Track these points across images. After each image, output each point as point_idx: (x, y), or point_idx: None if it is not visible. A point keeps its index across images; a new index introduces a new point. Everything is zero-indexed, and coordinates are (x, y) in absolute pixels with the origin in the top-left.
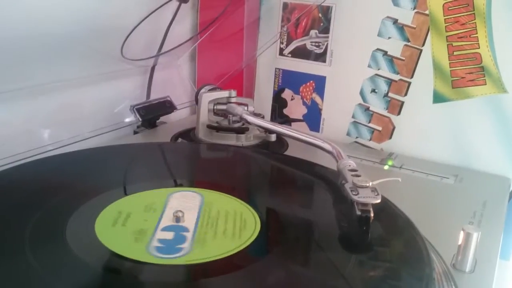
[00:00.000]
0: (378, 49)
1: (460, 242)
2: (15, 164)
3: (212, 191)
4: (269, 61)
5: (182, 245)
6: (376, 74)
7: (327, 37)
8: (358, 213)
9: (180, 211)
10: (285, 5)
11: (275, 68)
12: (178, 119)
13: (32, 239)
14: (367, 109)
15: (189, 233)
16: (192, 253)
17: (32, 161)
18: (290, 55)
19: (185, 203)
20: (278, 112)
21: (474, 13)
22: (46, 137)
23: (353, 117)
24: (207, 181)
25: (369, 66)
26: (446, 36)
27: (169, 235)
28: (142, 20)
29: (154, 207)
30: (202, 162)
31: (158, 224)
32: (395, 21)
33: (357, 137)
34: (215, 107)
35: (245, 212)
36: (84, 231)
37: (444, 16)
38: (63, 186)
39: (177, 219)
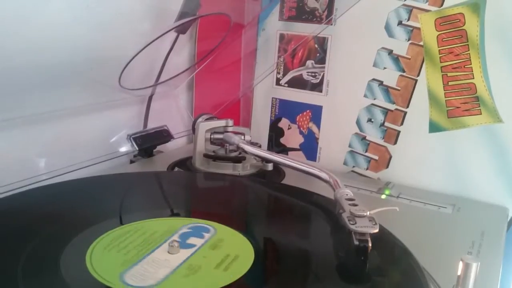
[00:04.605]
0: (373, 79)
1: (459, 272)
2: (9, 194)
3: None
4: (266, 90)
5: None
6: (372, 104)
7: (324, 67)
8: (356, 243)
9: (176, 241)
10: (281, 37)
11: (272, 98)
12: (175, 148)
13: (25, 271)
14: (364, 138)
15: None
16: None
17: (27, 190)
18: (286, 85)
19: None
20: (275, 141)
21: (467, 44)
22: (42, 166)
23: (349, 146)
24: (204, 211)
25: (365, 96)
26: (441, 67)
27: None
28: (140, 50)
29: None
30: (198, 191)
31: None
32: (390, 52)
33: (354, 166)
34: (212, 136)
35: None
36: (78, 262)
37: (438, 47)
38: (58, 216)
39: (171, 249)
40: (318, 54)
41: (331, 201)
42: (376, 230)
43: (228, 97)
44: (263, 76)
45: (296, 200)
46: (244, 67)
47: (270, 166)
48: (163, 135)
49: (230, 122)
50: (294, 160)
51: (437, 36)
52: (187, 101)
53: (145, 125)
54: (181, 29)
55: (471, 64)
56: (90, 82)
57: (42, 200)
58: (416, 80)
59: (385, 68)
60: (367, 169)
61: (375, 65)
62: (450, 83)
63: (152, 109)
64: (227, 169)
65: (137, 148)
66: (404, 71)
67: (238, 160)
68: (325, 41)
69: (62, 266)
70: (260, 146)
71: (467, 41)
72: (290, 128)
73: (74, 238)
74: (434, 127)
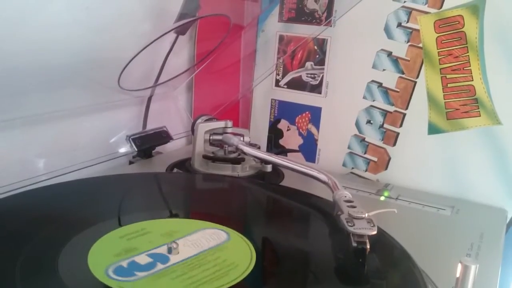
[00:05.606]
0: (373, 81)
1: (458, 274)
2: (9, 194)
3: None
4: (265, 92)
5: (141, 273)
6: (371, 106)
7: (323, 68)
8: (354, 244)
9: (176, 243)
10: (281, 38)
11: (271, 99)
12: (174, 149)
13: (24, 271)
14: (363, 140)
15: (162, 265)
16: (137, 283)
17: (27, 190)
18: (286, 86)
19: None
20: (274, 142)
21: (467, 46)
22: (42, 166)
23: (348, 148)
24: (203, 212)
25: (364, 97)
26: (440, 69)
27: (143, 260)
28: (140, 51)
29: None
30: (197, 192)
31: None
32: (389, 54)
33: (353, 168)
34: (211, 137)
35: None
36: (77, 263)
37: (437, 49)
38: (57, 217)
39: (169, 250)
40: (317, 56)
41: (329, 203)
42: (374, 232)
43: (227, 98)
44: (262, 78)
45: (294, 202)
46: (244, 68)
47: (269, 168)
48: (162, 136)
49: (229, 123)
50: (293, 162)
51: (436, 38)
52: (186, 102)
53: (144, 126)
54: (180, 30)
55: (470, 66)
56: (89, 83)
57: (41, 200)
58: (415, 82)
59: (384, 69)
60: (366, 170)
61: (374, 66)
62: (449, 85)
63: (151, 110)
64: (226, 170)
65: (136, 149)
66: (403, 73)
67: (237, 161)
68: (325, 43)
69: (61, 266)
70: (259, 148)
71: (466, 43)
72: (289, 129)
73: (73, 239)
74: (433, 129)
